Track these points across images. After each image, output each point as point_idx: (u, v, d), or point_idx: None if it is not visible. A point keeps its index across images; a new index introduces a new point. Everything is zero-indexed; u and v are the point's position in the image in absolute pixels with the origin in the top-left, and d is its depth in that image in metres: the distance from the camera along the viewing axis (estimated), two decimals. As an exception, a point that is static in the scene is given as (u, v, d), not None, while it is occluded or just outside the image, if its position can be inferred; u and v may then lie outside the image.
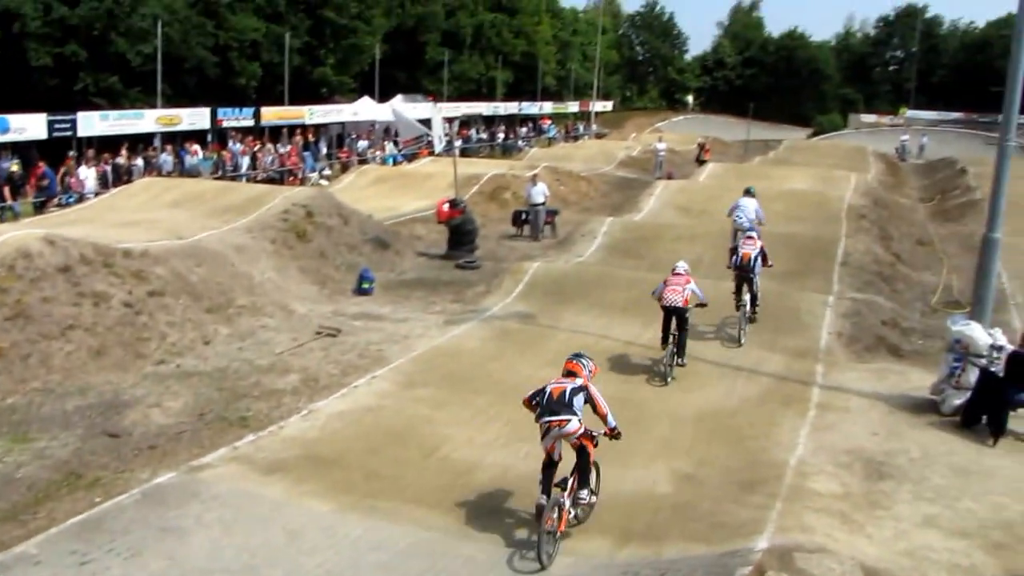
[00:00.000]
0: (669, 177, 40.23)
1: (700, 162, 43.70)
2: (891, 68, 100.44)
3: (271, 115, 40.66)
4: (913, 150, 61.75)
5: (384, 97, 50.06)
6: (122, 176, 30.42)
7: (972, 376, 12.87)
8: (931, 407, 13.25)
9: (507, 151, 57.02)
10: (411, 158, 42.40)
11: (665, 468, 11.14)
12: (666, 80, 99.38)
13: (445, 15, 60.23)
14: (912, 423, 12.78)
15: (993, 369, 12.71)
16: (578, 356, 9.94)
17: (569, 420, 9.18)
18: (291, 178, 36.94)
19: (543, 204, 27.62)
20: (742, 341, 16.44)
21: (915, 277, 22.96)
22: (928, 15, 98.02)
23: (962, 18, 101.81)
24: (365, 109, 46.94)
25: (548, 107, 71.51)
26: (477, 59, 64.52)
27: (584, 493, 9.40)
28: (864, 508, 10.06)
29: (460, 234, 24.09)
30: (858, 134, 76.54)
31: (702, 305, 15.05)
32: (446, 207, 24.21)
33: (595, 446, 9.41)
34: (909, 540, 9.36)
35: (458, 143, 38.00)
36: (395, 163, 42.67)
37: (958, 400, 12.92)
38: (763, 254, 17.32)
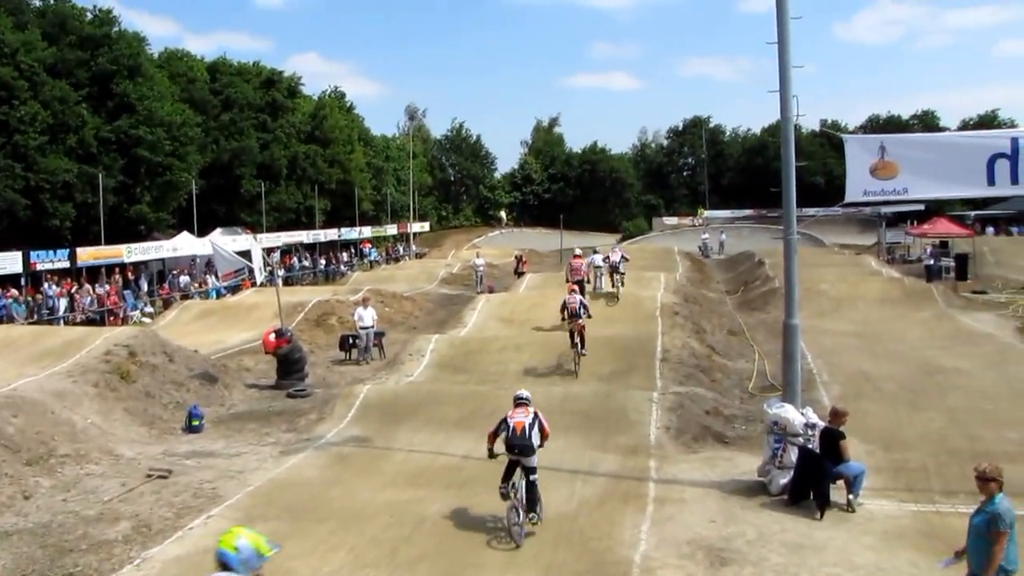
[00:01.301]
0: (490, 291, 40.78)
1: (518, 274, 44.40)
2: (685, 174, 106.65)
3: (87, 255, 38.98)
4: (714, 247, 65.31)
5: (203, 231, 49.00)
6: (-73, 329, 28.38)
7: (793, 455, 13.37)
8: (760, 489, 13.60)
9: (330, 277, 56.68)
10: (235, 290, 41.43)
11: (514, 579, 10.88)
12: (479, 198, 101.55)
13: (259, 149, 59.85)
14: (745, 506, 13.04)
15: (810, 446, 13.20)
16: (574, 291, 24.19)
17: (580, 321, 22.08)
18: (112, 318, 35.38)
19: (372, 327, 27.33)
20: (619, 296, 30.13)
21: (731, 366, 23.80)
22: (711, 124, 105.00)
23: (740, 126, 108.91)
24: (184, 244, 45.73)
25: (367, 231, 71.64)
26: (294, 189, 64.21)
27: (584, 349, 22.17)
28: (709, 597, 10.05)
29: (289, 363, 23.49)
30: (663, 236, 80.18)
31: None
32: (272, 337, 23.62)
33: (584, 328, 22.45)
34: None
35: (281, 272, 37.40)
36: (219, 296, 41.58)
37: (783, 479, 13.33)
38: (624, 257, 31.34)
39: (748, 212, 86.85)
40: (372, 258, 65.96)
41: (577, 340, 22.24)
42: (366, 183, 74.39)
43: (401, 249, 73.41)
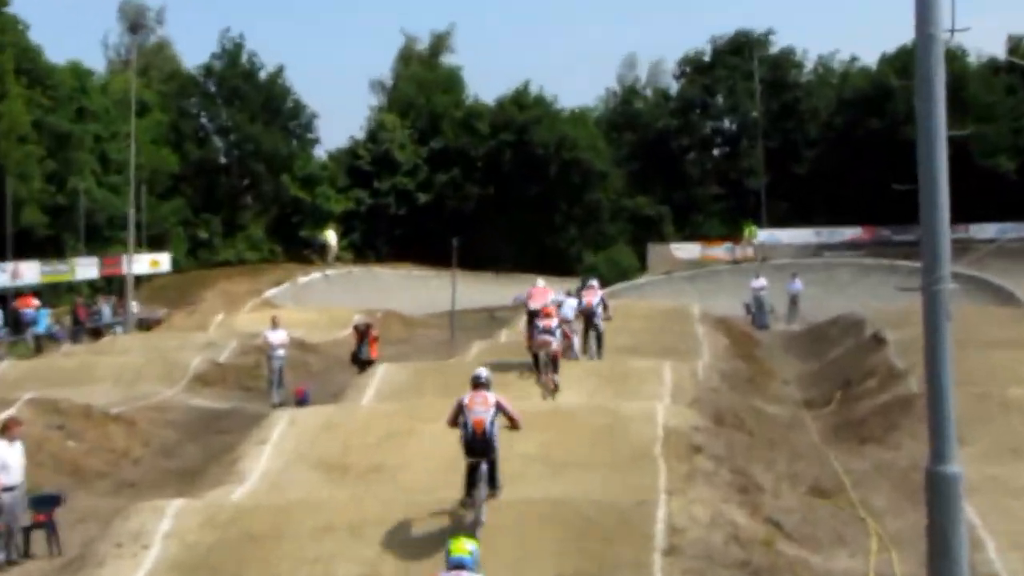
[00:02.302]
0: (300, 401, 40.88)
1: (361, 363, 44.25)
2: (716, 152, 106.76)
3: None
4: (777, 306, 65.52)
5: None
6: None
7: None
8: None
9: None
10: None
11: None
12: (279, 203, 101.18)
13: None
14: None
15: None
16: (549, 315, 38.55)
17: (552, 341, 37.33)
18: None
19: (17, 487, 26.61)
20: (597, 357, 42.17)
21: (818, 565, 23.47)
22: (772, 49, 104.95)
23: (836, 51, 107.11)
24: None
25: (33, 272, 71.23)
26: None
27: (557, 377, 37.00)
28: None
29: None
30: (671, 282, 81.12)
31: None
32: None
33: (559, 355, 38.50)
34: None
35: None
36: None
37: None
38: (603, 302, 42.63)
39: (850, 233, 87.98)
40: (40, 330, 65.79)
41: (547, 364, 35.91)
42: (32, 167, 73.97)
43: (106, 310, 73.33)
